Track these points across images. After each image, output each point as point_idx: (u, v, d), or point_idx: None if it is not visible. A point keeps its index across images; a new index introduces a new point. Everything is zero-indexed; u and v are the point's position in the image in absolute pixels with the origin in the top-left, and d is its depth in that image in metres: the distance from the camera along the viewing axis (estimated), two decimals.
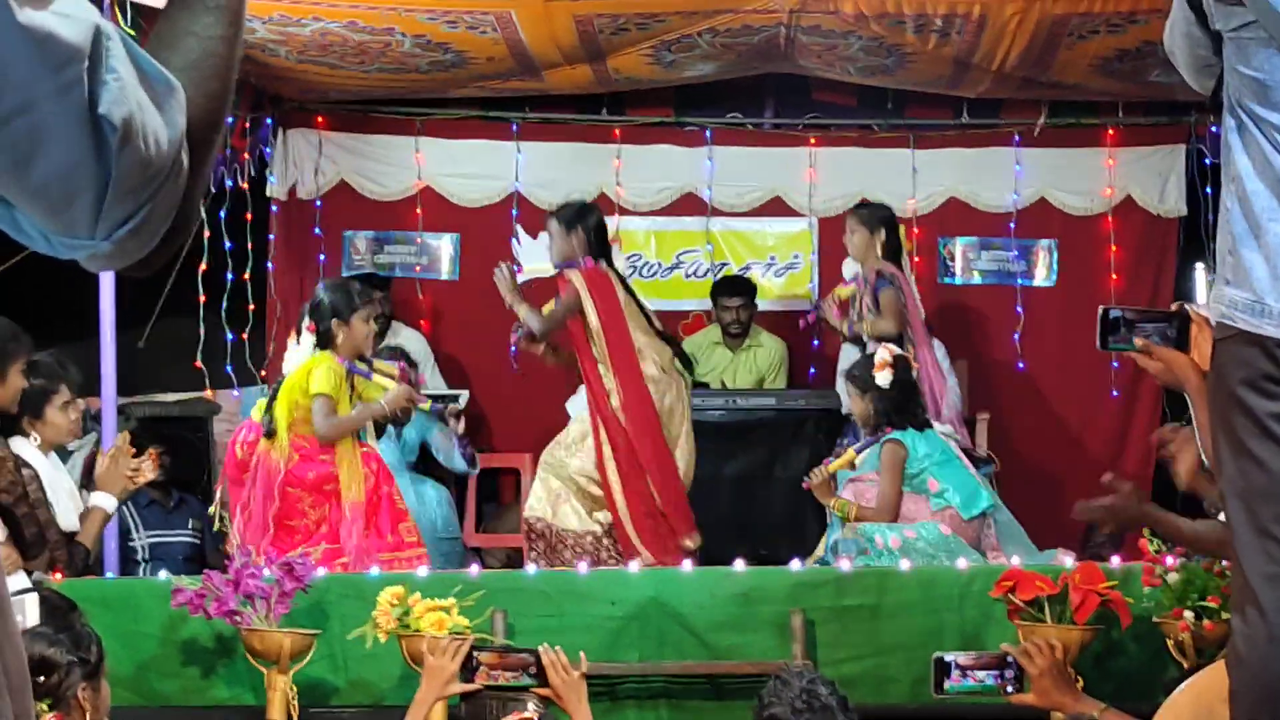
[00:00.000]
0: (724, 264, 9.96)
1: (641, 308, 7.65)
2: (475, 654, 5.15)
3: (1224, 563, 5.24)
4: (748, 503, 7.67)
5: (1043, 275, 9.85)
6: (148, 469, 6.30)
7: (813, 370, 9.84)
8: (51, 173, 1.37)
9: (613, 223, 9.82)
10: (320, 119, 9.78)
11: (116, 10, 6.51)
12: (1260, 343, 3.00)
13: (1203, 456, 3.67)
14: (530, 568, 6.43)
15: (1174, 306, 3.83)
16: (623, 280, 7.64)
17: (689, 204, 10.01)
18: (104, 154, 1.37)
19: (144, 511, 7.94)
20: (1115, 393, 9.64)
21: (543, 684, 4.94)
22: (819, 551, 7.16)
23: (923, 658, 5.24)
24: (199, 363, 8.77)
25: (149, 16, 6.05)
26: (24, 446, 6.00)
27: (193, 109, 1.45)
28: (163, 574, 6.33)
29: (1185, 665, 5.24)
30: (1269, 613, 3.00)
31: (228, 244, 8.71)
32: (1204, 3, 3.12)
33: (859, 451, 7.20)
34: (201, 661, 5.81)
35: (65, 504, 6.05)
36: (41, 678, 3.80)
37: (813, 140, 9.95)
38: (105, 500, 6.14)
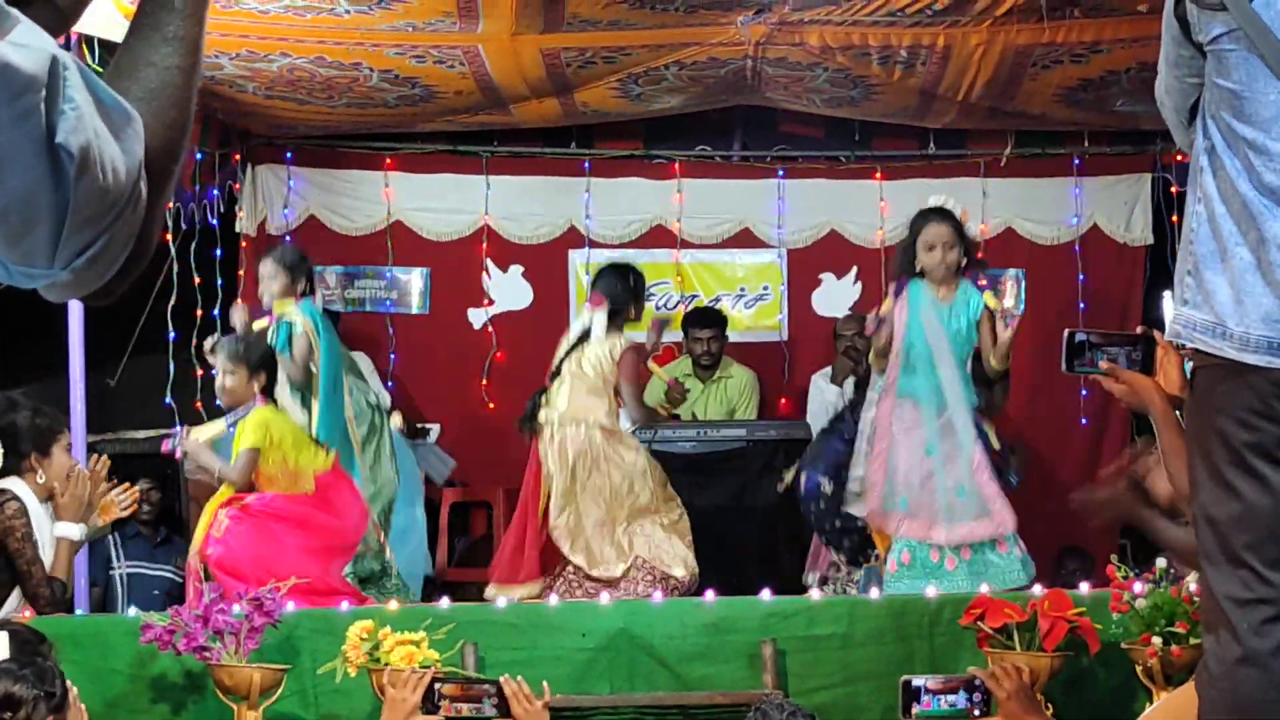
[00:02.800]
0: (694, 296, 9.99)
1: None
2: (437, 686, 5.14)
3: (1192, 588, 5.27)
4: (719, 533, 7.66)
5: (1010, 304, 9.90)
6: (124, 501, 6.28)
7: (783, 401, 9.85)
8: (9, 201, 1.38)
9: (582, 255, 9.86)
10: (289, 154, 9.79)
11: (85, 48, 6.52)
12: (1240, 373, 3.02)
13: (1170, 478, 3.70)
14: (500, 600, 6.42)
15: (1139, 330, 3.86)
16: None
17: (658, 236, 10.04)
18: (62, 183, 1.37)
19: (128, 543, 7.94)
20: (1084, 420, 9.69)
21: (505, 715, 4.93)
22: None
23: (893, 685, 5.25)
24: (169, 399, 8.75)
25: (115, 52, 6.06)
26: (17, 485, 6.00)
27: (151, 138, 1.45)
28: (132, 610, 6.30)
29: (1154, 691, 5.26)
30: (1242, 635, 3.03)
31: (197, 280, 8.70)
32: (1188, 12, 3.13)
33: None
34: (171, 698, 5.78)
35: (45, 540, 6.04)
36: (8, 714, 3.80)
37: (781, 172, 10.00)
38: (69, 529, 6.10)
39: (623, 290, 7.48)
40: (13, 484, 6.00)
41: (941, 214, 7.12)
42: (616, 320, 7.44)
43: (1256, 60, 3.03)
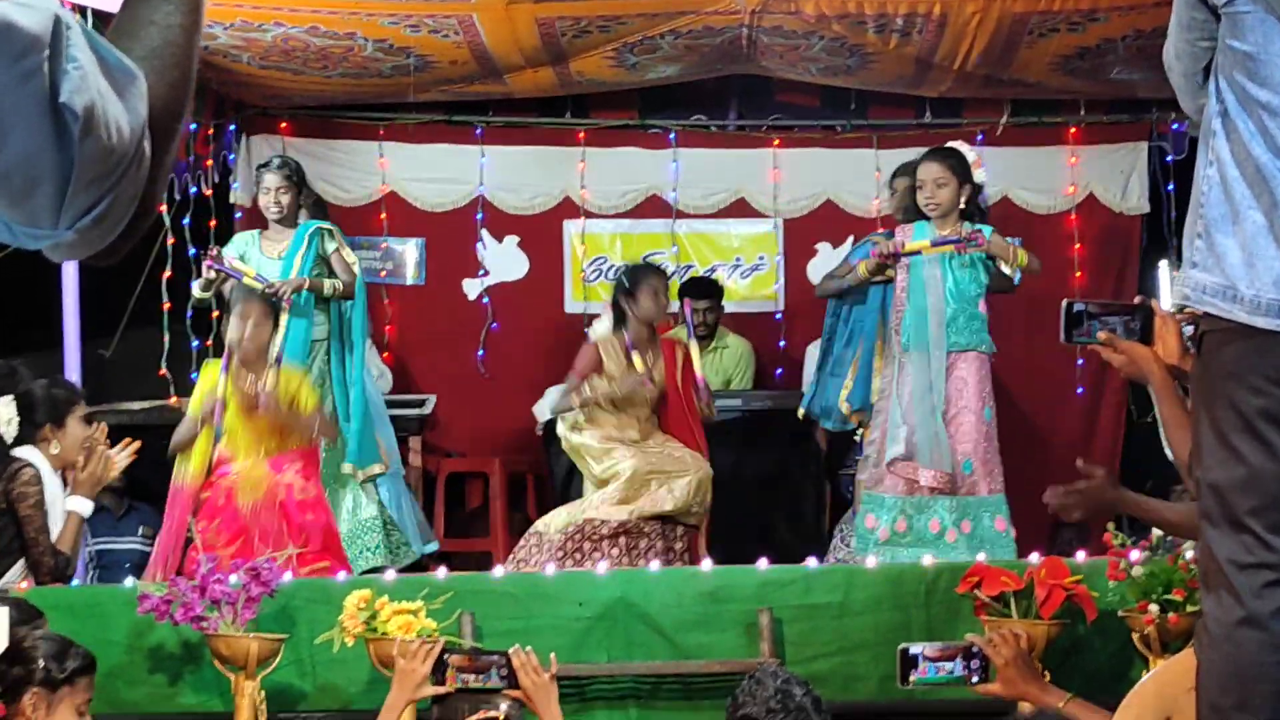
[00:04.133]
0: (689, 266, 9.97)
1: None
2: (446, 656, 5.14)
3: (1188, 556, 5.27)
4: (715, 502, 7.67)
5: (1007, 273, 9.87)
6: (122, 459, 6.29)
7: (779, 371, 9.85)
8: (13, 162, 1.37)
9: (577, 225, 9.85)
10: (283, 125, 9.76)
11: (80, 18, 6.49)
12: (1251, 337, 3.02)
13: (1165, 449, 3.69)
14: (497, 570, 6.42)
15: (1137, 300, 3.85)
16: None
17: (654, 206, 10.01)
18: (66, 143, 1.37)
19: (92, 519, 7.92)
20: (1080, 390, 9.68)
21: (513, 686, 4.93)
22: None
23: (890, 654, 5.24)
24: (164, 370, 8.74)
25: (109, 22, 6.05)
26: (33, 455, 6.01)
27: (154, 97, 1.45)
28: (129, 581, 6.30)
29: (1151, 658, 5.27)
30: (1243, 597, 3.04)
31: (192, 251, 8.68)
32: None
33: (935, 245, 7.14)
34: (168, 668, 5.79)
35: (56, 513, 6.05)
36: (8, 665, 3.82)
37: (776, 141, 9.97)
38: (81, 504, 6.11)
39: (617, 293, 7.90)
40: (28, 453, 6.01)
41: (934, 153, 7.20)
42: (622, 320, 7.85)
43: (1273, 22, 3.01)
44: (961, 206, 7.17)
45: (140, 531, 8.22)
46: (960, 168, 7.16)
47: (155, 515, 7.89)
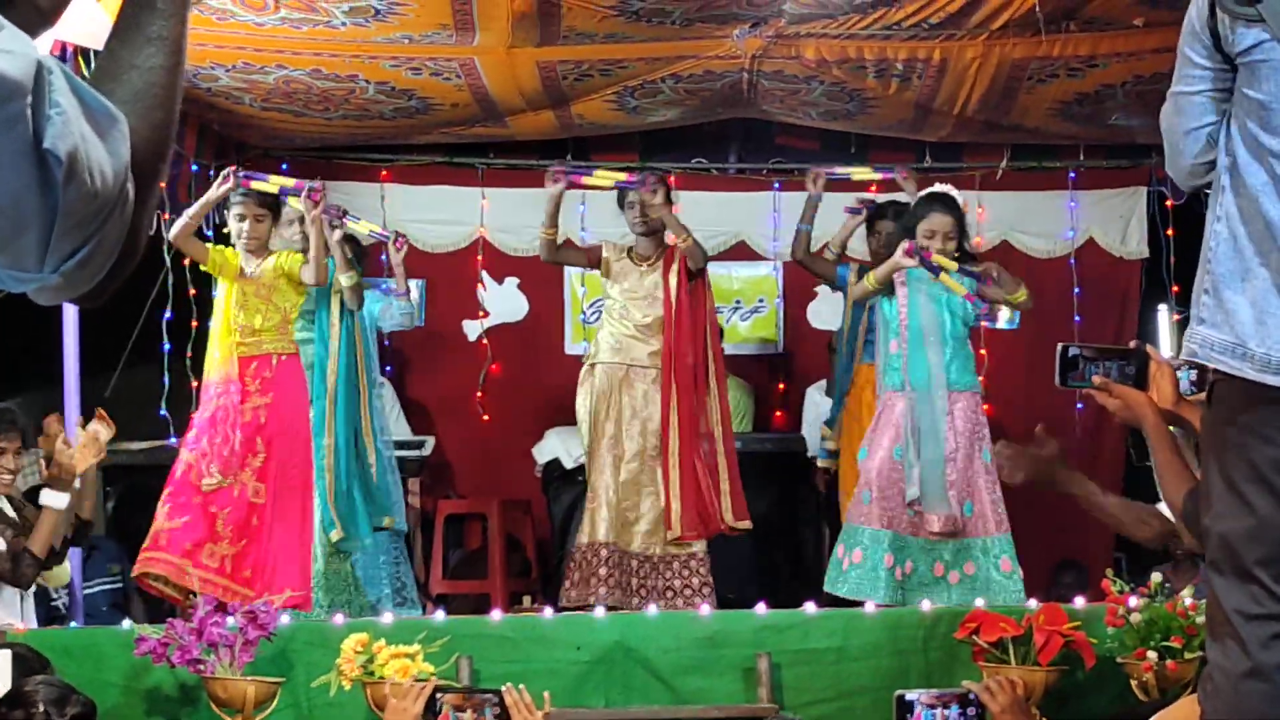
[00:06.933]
0: None
1: None
2: (439, 696, 5.14)
3: (1188, 602, 5.26)
4: (715, 546, 7.65)
5: (1006, 317, 9.88)
6: (104, 431, 6.33)
7: (779, 414, 9.84)
8: None
9: (579, 270, 9.85)
10: (284, 165, 9.77)
11: (80, 61, 6.51)
12: (1264, 387, 3.01)
13: (1161, 498, 3.68)
14: (495, 613, 6.41)
15: (1132, 344, 3.85)
16: None
17: None
18: (50, 188, 1.37)
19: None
20: (1079, 433, 9.67)
21: None
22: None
23: (888, 700, 5.25)
24: (164, 410, 8.73)
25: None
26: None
27: (137, 140, 1.45)
28: (126, 623, 6.29)
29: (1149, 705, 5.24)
30: (1250, 648, 3.02)
31: (192, 291, 8.69)
32: (1219, 25, 3.10)
33: (961, 271, 7.11)
34: (165, 711, 5.77)
35: None
36: (9, 709, 3.83)
37: (777, 185, 9.99)
38: (55, 499, 6.10)
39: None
40: None
41: (947, 204, 7.19)
42: None
43: None
44: (957, 255, 7.20)
45: (108, 570, 8.21)
46: (962, 221, 7.22)
47: (118, 549, 7.92)
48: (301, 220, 7.43)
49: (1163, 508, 3.69)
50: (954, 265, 7.04)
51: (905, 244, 7.10)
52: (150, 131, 1.49)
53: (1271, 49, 3.03)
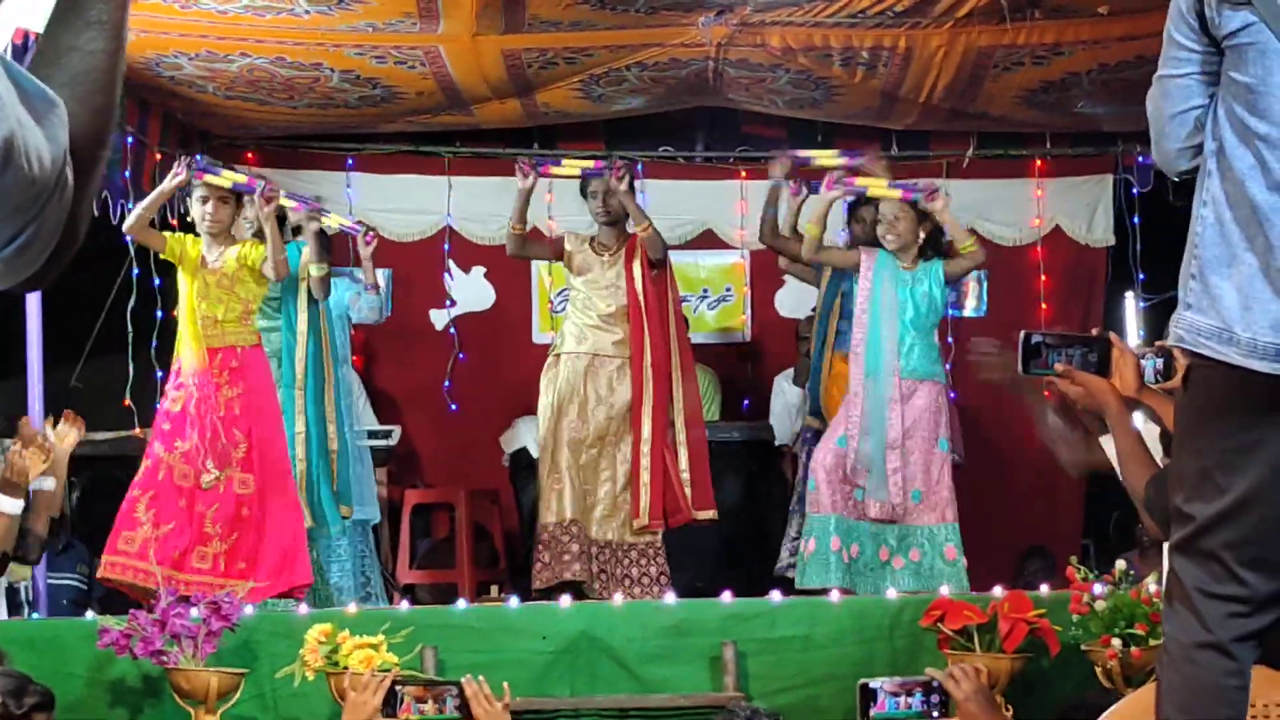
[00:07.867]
0: None
1: None
2: (398, 687, 5.13)
3: (1151, 590, 5.27)
4: (680, 534, 7.65)
5: (973, 305, 9.91)
6: (73, 435, 6.28)
7: (746, 402, 9.84)
8: None
9: (545, 260, 9.83)
10: (250, 155, 9.72)
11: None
12: (1244, 377, 3.01)
13: (1121, 480, 3.69)
14: (460, 603, 6.39)
15: (1095, 332, 3.85)
16: None
17: None
18: None
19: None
20: None
21: (466, 716, 4.92)
22: None
23: (854, 688, 5.25)
24: (129, 401, 8.69)
25: None
26: None
27: (77, 124, 1.44)
28: (89, 614, 6.25)
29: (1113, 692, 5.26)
30: (1208, 621, 3.03)
31: (156, 280, 8.64)
32: (1206, 8, 3.08)
33: (891, 187, 7.31)
34: (128, 702, 5.75)
35: None
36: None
37: (743, 173, 9.98)
38: (7, 504, 6.06)
39: None
40: None
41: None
42: None
43: (1275, 54, 3.00)
44: (920, 241, 7.25)
45: (77, 569, 8.16)
46: (927, 214, 7.29)
47: (91, 555, 7.85)
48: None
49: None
50: (883, 181, 7.18)
51: (828, 177, 7.23)
52: (90, 116, 1.47)
53: (1258, 31, 3.02)
